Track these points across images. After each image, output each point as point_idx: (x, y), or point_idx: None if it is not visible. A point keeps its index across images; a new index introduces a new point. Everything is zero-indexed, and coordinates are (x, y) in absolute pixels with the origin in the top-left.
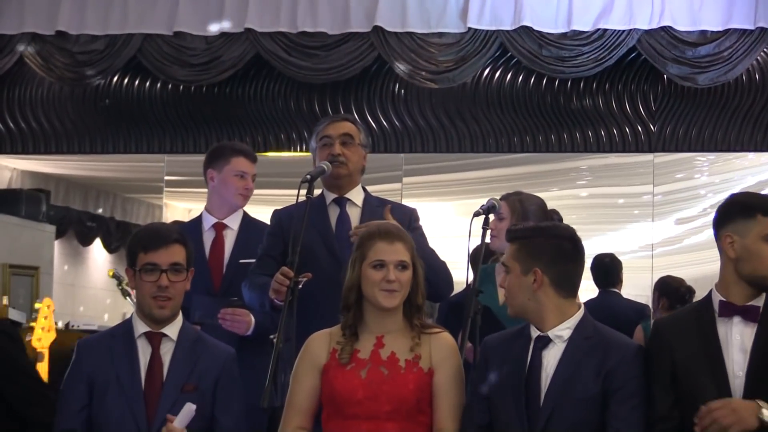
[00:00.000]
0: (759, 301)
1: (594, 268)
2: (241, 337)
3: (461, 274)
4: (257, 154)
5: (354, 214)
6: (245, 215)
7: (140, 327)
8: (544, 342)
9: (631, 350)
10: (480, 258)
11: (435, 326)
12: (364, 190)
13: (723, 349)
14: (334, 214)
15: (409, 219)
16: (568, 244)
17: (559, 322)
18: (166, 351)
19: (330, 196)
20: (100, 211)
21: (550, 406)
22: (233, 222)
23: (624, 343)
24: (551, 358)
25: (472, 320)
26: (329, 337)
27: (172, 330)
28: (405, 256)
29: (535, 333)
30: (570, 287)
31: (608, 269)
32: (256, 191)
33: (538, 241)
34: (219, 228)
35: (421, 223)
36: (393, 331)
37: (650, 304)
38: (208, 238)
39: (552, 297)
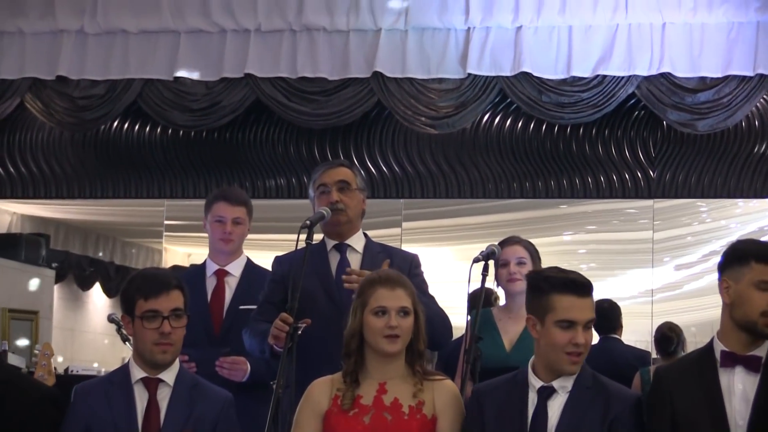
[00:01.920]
0: (761, 351)
1: None
2: (239, 384)
3: (461, 320)
4: (256, 199)
5: (354, 260)
6: (248, 261)
7: (137, 373)
8: (549, 392)
9: (633, 400)
10: (480, 302)
11: (437, 373)
12: (365, 236)
13: (725, 399)
14: (334, 260)
15: (409, 265)
16: None
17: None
18: (163, 397)
19: (330, 243)
20: (100, 255)
21: None
22: (235, 269)
23: (625, 393)
24: (555, 408)
25: (472, 366)
26: (331, 384)
27: (169, 375)
28: (407, 302)
29: (537, 382)
30: None
31: (607, 315)
32: (256, 236)
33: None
34: (220, 275)
35: (422, 269)
36: (395, 378)
37: (651, 350)
38: (210, 285)
39: None
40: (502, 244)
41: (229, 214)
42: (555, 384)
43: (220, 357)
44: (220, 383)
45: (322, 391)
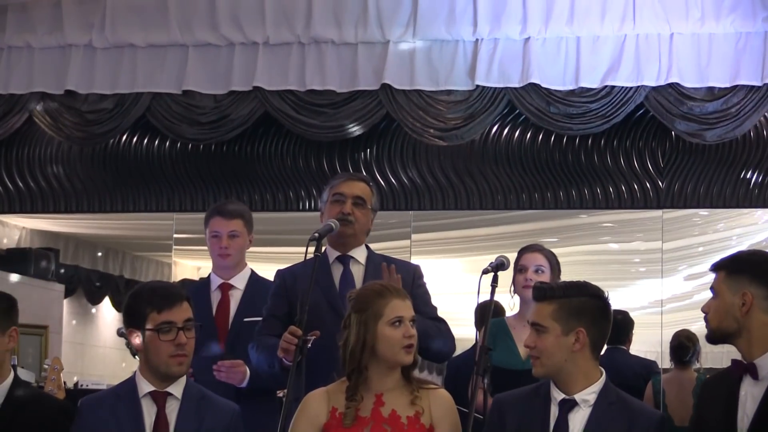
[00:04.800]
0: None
1: None
2: (247, 396)
3: (470, 331)
4: (265, 212)
5: (357, 272)
6: (253, 274)
7: (145, 386)
8: (570, 405)
9: (657, 419)
10: (488, 315)
11: (431, 382)
12: (368, 248)
13: (740, 405)
14: (337, 272)
15: (413, 276)
16: (604, 303)
17: (586, 386)
18: (171, 410)
19: (333, 254)
20: (110, 269)
21: None
22: (239, 282)
23: (649, 411)
24: (577, 422)
25: (483, 377)
26: (327, 396)
27: (177, 389)
28: (413, 312)
29: (559, 395)
30: (600, 348)
31: (619, 326)
32: (265, 249)
33: (581, 300)
34: (225, 288)
35: (425, 280)
36: (392, 389)
37: (659, 361)
38: (215, 299)
39: (587, 359)
40: (524, 250)
41: (224, 229)
42: (577, 397)
43: (217, 362)
44: (221, 392)
45: (318, 403)
